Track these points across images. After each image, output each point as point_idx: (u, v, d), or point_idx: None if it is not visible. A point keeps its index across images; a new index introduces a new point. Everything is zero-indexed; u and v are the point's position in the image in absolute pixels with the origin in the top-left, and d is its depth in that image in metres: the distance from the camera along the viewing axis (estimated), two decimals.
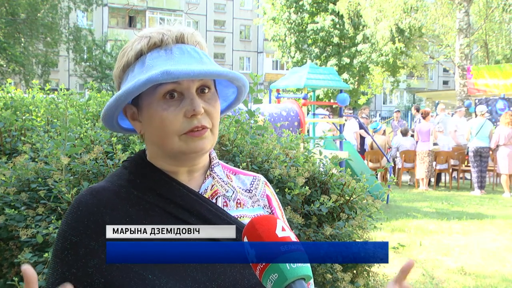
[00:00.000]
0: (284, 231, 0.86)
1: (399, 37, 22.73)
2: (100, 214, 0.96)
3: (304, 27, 26.90)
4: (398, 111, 15.54)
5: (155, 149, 1.03)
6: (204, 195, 1.05)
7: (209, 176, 1.07)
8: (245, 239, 0.87)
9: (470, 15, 18.76)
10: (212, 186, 1.07)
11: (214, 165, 1.10)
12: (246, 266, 0.99)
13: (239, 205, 1.09)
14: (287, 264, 0.81)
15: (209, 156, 1.10)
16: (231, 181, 1.12)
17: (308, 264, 0.84)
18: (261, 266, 0.83)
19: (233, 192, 1.10)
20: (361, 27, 24.63)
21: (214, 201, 1.05)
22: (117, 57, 1.05)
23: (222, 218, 1.02)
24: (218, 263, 0.97)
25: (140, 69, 0.97)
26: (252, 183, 1.16)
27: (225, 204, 1.07)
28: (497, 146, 10.37)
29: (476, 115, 11.21)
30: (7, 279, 2.08)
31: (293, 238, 0.86)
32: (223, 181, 1.09)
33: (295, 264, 0.82)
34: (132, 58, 1.00)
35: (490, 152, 11.00)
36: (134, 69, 0.98)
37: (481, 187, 10.68)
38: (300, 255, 0.83)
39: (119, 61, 1.03)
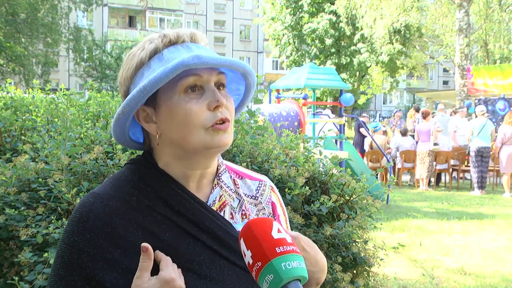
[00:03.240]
0: (280, 233, 0.87)
1: (397, 37, 22.73)
2: (113, 224, 0.94)
3: (302, 27, 26.90)
4: (399, 110, 15.61)
5: (173, 150, 1.00)
6: (213, 206, 1.04)
7: (216, 186, 1.06)
8: (242, 241, 0.87)
9: (470, 15, 18.76)
10: (221, 196, 1.06)
11: (221, 172, 1.08)
12: (254, 283, 0.99)
13: (244, 216, 1.08)
14: (282, 265, 0.82)
15: (217, 161, 1.09)
16: (238, 188, 1.11)
17: (304, 265, 0.85)
18: (257, 267, 0.84)
19: (239, 201, 1.09)
20: (359, 26, 24.63)
21: (222, 213, 1.05)
22: (124, 61, 1.03)
23: (230, 234, 1.02)
24: (228, 280, 0.98)
25: (159, 64, 0.96)
26: (258, 188, 1.15)
27: (231, 216, 1.06)
28: (502, 145, 10.35)
29: (476, 115, 11.20)
30: (7, 279, 2.08)
31: (289, 239, 0.87)
32: (231, 190, 1.08)
33: (290, 265, 0.82)
34: (145, 57, 0.98)
35: (491, 152, 11.00)
36: (151, 66, 0.97)
37: (482, 187, 10.68)
38: (295, 256, 0.84)
39: (128, 63, 1.01)
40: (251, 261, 0.85)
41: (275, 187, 1.20)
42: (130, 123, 1.02)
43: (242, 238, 0.88)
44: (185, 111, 0.95)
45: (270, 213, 1.14)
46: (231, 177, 1.11)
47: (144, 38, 1.03)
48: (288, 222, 1.21)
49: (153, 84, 0.92)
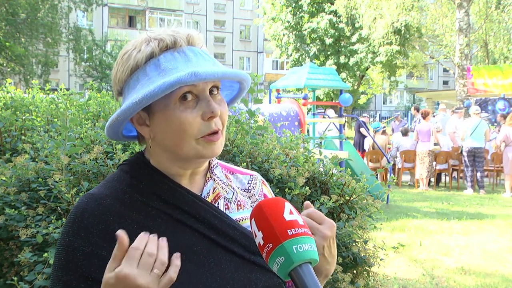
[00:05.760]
0: (291, 214, 0.86)
1: (397, 37, 22.72)
2: (107, 222, 0.95)
3: (302, 26, 26.92)
4: (398, 115, 15.82)
5: (165, 153, 1.01)
6: (207, 198, 1.05)
7: (209, 179, 1.08)
8: (253, 221, 0.87)
9: (470, 15, 18.76)
10: (214, 189, 1.08)
11: (214, 166, 1.11)
12: (253, 270, 1.01)
13: (239, 207, 1.10)
14: (293, 247, 0.81)
15: None
16: (230, 181, 1.13)
17: (315, 248, 0.84)
18: (268, 249, 0.83)
19: (233, 193, 1.11)
20: (359, 27, 24.63)
21: (216, 204, 1.06)
22: (118, 60, 1.02)
23: (226, 223, 1.03)
24: (226, 269, 0.98)
25: (156, 72, 0.95)
26: (250, 182, 1.17)
27: (226, 207, 1.07)
28: (505, 146, 10.35)
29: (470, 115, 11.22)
30: (7, 279, 2.08)
31: (301, 221, 0.86)
32: (224, 183, 1.10)
33: (302, 248, 0.82)
34: (142, 60, 0.97)
35: (490, 152, 10.99)
36: (147, 73, 0.96)
37: (481, 186, 10.69)
38: (306, 239, 0.83)
39: (123, 64, 1.00)
40: (262, 242, 0.84)
41: (265, 181, 1.22)
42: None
43: (253, 218, 0.87)
44: (180, 120, 0.96)
45: None
46: (222, 172, 1.13)
47: (140, 35, 1.01)
48: None
49: (149, 98, 0.92)
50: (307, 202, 1.01)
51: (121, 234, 0.83)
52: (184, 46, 0.98)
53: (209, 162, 1.10)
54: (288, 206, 0.87)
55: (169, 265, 0.85)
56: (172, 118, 0.96)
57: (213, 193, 1.07)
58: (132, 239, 0.92)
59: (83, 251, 0.92)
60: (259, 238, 0.85)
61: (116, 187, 1.01)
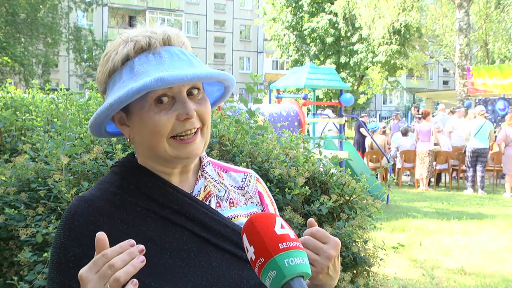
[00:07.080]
0: (283, 228, 0.86)
1: (396, 37, 22.71)
2: (97, 223, 0.96)
3: (302, 26, 26.94)
4: (397, 114, 15.86)
5: (147, 152, 1.02)
6: (198, 197, 1.05)
7: (201, 177, 1.08)
8: (244, 236, 0.87)
9: (470, 15, 18.76)
10: (205, 187, 1.07)
11: (205, 164, 1.11)
12: (244, 268, 1.00)
13: (232, 205, 1.09)
14: (285, 261, 0.81)
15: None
16: (223, 179, 1.12)
17: (307, 262, 0.84)
18: (260, 263, 0.83)
19: (226, 191, 1.10)
20: (358, 27, 24.65)
21: (207, 202, 1.06)
22: (100, 61, 1.03)
23: (217, 220, 1.02)
24: (217, 267, 0.98)
25: (130, 75, 0.96)
26: (244, 179, 1.17)
27: (218, 205, 1.07)
28: (505, 146, 10.34)
29: (474, 116, 11.19)
30: (7, 278, 2.08)
31: (292, 235, 0.86)
32: (215, 181, 1.10)
33: (294, 261, 0.82)
34: (118, 63, 0.98)
35: (490, 152, 10.99)
36: (122, 75, 0.97)
37: (482, 186, 10.69)
38: (298, 252, 0.84)
39: (104, 66, 1.01)
40: (253, 257, 0.84)
41: (260, 178, 1.22)
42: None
43: (244, 233, 0.87)
44: (154, 122, 0.96)
45: (258, 202, 1.15)
46: (215, 170, 1.13)
47: (120, 35, 1.01)
48: (277, 211, 1.22)
49: (119, 103, 0.93)
50: (311, 220, 1.00)
51: (99, 236, 0.81)
52: (160, 47, 0.98)
53: (200, 160, 1.10)
54: (279, 220, 0.88)
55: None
56: (147, 119, 0.96)
57: (204, 191, 1.07)
58: (121, 239, 0.92)
59: (74, 252, 0.94)
60: (250, 253, 0.85)
61: (106, 189, 1.02)
